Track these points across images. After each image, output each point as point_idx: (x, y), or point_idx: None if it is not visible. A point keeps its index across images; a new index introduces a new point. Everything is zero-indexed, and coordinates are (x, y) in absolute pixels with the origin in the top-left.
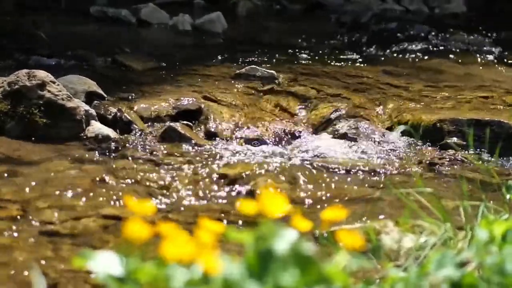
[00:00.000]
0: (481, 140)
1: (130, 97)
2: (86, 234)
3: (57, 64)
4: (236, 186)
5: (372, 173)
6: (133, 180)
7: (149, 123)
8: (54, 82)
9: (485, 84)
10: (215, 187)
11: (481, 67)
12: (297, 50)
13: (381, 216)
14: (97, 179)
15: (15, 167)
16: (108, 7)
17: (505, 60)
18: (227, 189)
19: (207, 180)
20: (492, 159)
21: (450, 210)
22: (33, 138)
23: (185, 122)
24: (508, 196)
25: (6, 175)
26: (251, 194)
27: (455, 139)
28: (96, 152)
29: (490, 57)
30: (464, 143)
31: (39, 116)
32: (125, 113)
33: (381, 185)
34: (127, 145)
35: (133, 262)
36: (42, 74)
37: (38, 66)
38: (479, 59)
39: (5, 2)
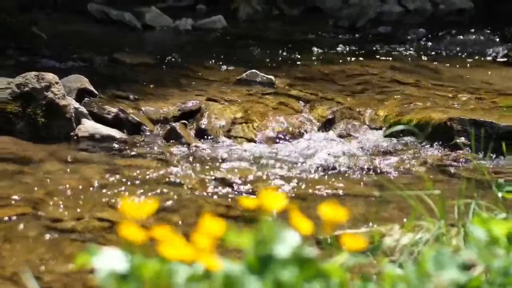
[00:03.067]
0: (479, 140)
1: (132, 97)
2: (87, 234)
3: (58, 65)
4: (233, 185)
5: (375, 174)
6: (131, 180)
7: (157, 124)
8: (57, 83)
9: (487, 84)
10: (212, 187)
11: (481, 67)
12: (295, 53)
13: (387, 219)
14: (93, 180)
15: (19, 167)
16: (109, 8)
17: (506, 59)
18: (224, 188)
19: (201, 179)
20: (485, 158)
21: (448, 209)
22: (37, 138)
23: (183, 121)
24: (500, 194)
25: (11, 174)
26: (249, 193)
27: (462, 138)
28: (93, 152)
29: (491, 57)
30: (469, 142)
31: (41, 116)
32: (133, 114)
33: (385, 186)
34: (130, 145)
35: (137, 258)
36: (49, 76)
37: (37, 66)
38: (479, 59)
39: (4, 1)
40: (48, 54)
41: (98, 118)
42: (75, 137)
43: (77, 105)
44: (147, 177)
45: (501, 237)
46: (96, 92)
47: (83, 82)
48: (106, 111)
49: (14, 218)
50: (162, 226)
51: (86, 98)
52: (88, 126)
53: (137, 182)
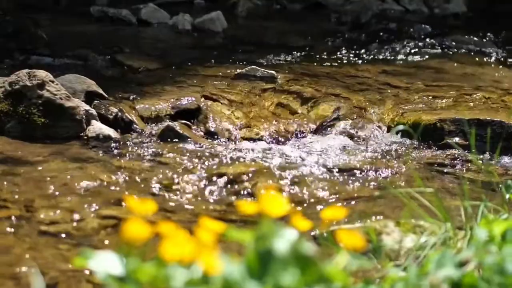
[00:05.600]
0: (481, 140)
1: (131, 97)
2: (87, 234)
3: (57, 64)
4: (236, 185)
5: (373, 173)
6: (132, 180)
7: (149, 123)
8: (53, 82)
9: (485, 84)
10: (214, 187)
11: (480, 67)
12: (297, 50)
13: (382, 216)
14: (97, 178)
15: (15, 167)
16: (109, 7)
17: (505, 60)
18: (226, 188)
19: (205, 179)
20: (493, 159)
21: (451, 210)
22: (32, 138)
23: (183, 121)
24: (507, 196)
25: (6, 175)
26: (250, 193)
27: (457, 139)
28: (97, 152)
29: (490, 57)
30: (466, 143)
31: (38, 115)
32: (126, 113)
33: (382, 185)
34: (126, 145)
35: (133, 262)
36: (42, 73)
37: (39, 66)
38: (478, 59)
39: (4, 1)
40: (48, 54)
41: (104, 119)
42: (85, 138)
43: (87, 107)
44: (140, 178)
45: (497, 236)
46: (105, 95)
47: (90, 84)
48: (110, 111)
49: (13, 217)
50: (166, 222)
51: (95, 101)
52: (95, 127)
53: (131, 183)
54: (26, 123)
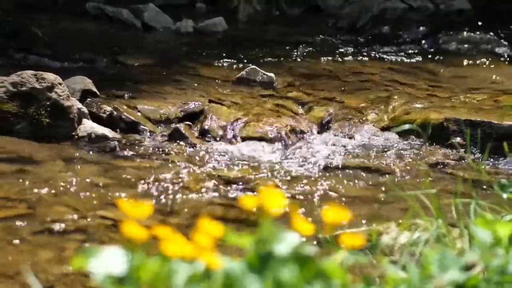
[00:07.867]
0: (475, 140)
1: (126, 96)
2: (87, 234)
3: (55, 64)
4: (236, 185)
5: (374, 174)
6: (132, 180)
7: (158, 125)
8: (61, 84)
9: (487, 83)
10: (215, 187)
11: (483, 67)
12: (296, 52)
13: (384, 218)
14: (94, 179)
15: (20, 167)
16: (105, 5)
17: (508, 58)
18: (226, 188)
19: (205, 179)
20: (483, 159)
21: (445, 208)
22: (37, 138)
23: (187, 122)
24: (505, 196)
25: (13, 174)
26: (250, 193)
27: (458, 139)
28: (94, 152)
29: (493, 56)
30: (464, 142)
31: (45, 116)
32: (126, 113)
33: (384, 186)
34: (129, 145)
35: (137, 258)
36: (51, 76)
37: (37, 66)
38: (481, 58)
39: (4, 1)
40: (48, 54)
41: (96, 118)
42: (76, 137)
43: (80, 105)
44: (145, 177)
45: (503, 238)
46: (98, 93)
47: (87, 83)
48: (102, 110)
49: (16, 217)
50: (163, 226)
51: (88, 99)
52: (87, 126)
53: (133, 183)
54: (35, 124)
